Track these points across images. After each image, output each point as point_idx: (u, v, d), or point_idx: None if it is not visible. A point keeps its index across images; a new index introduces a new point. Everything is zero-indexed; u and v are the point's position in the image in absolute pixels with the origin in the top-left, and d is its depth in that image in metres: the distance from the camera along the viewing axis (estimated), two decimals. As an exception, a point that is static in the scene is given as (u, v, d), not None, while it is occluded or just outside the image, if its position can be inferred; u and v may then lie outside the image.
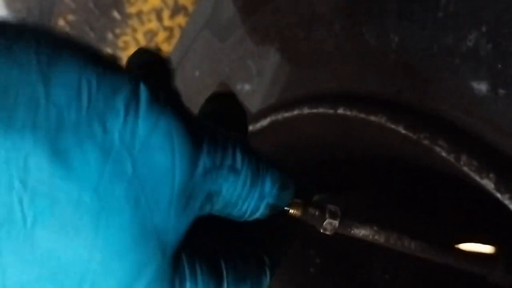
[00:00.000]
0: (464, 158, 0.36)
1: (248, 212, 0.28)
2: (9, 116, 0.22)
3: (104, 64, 0.24)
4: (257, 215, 0.29)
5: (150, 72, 0.28)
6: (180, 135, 0.25)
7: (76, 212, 0.23)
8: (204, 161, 0.26)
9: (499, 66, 0.34)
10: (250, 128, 0.58)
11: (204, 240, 0.28)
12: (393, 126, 0.41)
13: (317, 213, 0.32)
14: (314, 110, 0.50)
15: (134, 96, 0.24)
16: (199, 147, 0.25)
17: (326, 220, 0.32)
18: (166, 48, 1.19)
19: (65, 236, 0.23)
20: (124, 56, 1.20)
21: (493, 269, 0.36)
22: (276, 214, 0.30)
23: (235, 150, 0.27)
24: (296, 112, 0.53)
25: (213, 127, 0.27)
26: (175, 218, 0.25)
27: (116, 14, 1.19)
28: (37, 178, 0.22)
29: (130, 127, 0.24)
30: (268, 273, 0.30)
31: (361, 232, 0.33)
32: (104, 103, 0.23)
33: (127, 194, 0.24)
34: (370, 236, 0.33)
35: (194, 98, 0.59)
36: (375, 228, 0.33)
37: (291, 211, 0.32)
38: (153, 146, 0.24)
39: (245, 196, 0.28)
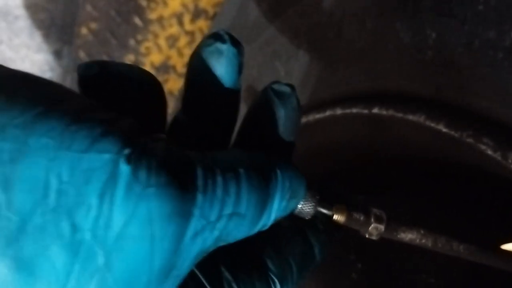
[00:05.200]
0: (512, 156, 0.34)
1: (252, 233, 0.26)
2: None
3: (80, 129, 0.21)
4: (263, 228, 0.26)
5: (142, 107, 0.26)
6: (162, 218, 0.22)
7: None
8: (194, 226, 0.23)
9: (547, 59, 0.33)
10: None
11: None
12: (433, 125, 0.40)
13: (362, 218, 0.31)
14: (348, 111, 0.48)
15: (111, 181, 0.21)
16: (188, 216, 0.22)
17: (372, 225, 0.31)
18: (188, 53, 1.19)
19: None
20: (147, 62, 1.20)
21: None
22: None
23: (240, 190, 0.24)
24: (328, 113, 0.51)
25: (211, 166, 0.23)
26: None
27: (137, 21, 1.19)
28: None
29: (104, 220, 0.21)
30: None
31: (407, 236, 0.32)
32: (75, 197, 0.20)
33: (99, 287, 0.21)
34: (417, 240, 0.32)
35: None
36: (422, 231, 0.32)
37: (335, 217, 0.31)
38: (129, 236, 0.21)
39: (250, 230, 0.25)
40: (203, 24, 1.18)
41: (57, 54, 1.22)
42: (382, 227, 0.31)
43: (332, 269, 0.43)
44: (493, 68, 0.37)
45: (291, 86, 0.30)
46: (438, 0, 0.40)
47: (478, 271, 0.38)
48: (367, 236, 0.32)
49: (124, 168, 0.21)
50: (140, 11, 1.18)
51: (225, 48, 0.27)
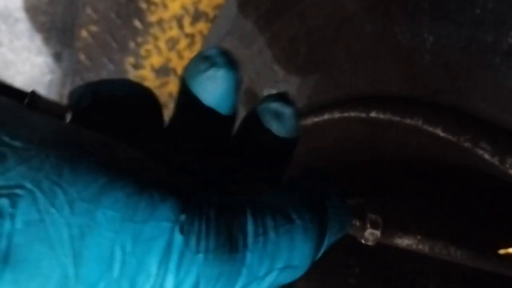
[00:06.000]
0: (510, 160, 0.34)
1: None
2: None
3: (141, 199, 0.21)
4: None
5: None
6: (208, 281, 0.22)
7: None
8: (242, 283, 0.23)
9: (545, 63, 0.33)
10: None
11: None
12: (430, 129, 0.39)
13: (357, 223, 0.31)
14: (346, 114, 0.48)
15: (168, 249, 0.21)
16: (236, 276, 0.22)
17: (368, 230, 0.31)
18: (189, 55, 1.19)
19: None
20: (147, 65, 1.20)
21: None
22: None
23: (294, 244, 0.23)
24: (326, 116, 0.51)
25: (263, 219, 0.23)
26: None
27: (137, 23, 1.19)
28: None
29: (159, 284, 0.21)
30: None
31: (404, 241, 0.32)
32: (137, 266, 0.21)
33: None
34: (414, 246, 0.32)
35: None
36: (418, 237, 0.32)
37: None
38: None
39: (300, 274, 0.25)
40: (203, 27, 1.18)
41: (58, 57, 1.22)
42: (378, 233, 0.31)
43: (329, 274, 0.42)
44: (490, 72, 0.36)
45: (291, 104, 0.28)
46: (436, 3, 0.39)
47: (477, 274, 0.38)
48: (363, 241, 0.31)
49: (178, 237, 0.21)
50: (140, 14, 1.18)
51: (221, 74, 0.26)
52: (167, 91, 1.20)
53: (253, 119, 0.29)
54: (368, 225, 0.31)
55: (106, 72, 1.19)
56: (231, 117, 0.28)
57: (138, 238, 0.21)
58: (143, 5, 1.18)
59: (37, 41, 1.21)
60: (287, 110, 0.28)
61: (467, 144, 0.37)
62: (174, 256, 0.21)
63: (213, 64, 0.26)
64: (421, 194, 0.48)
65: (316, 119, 0.53)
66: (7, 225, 0.20)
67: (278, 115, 0.28)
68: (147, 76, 1.21)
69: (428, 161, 0.45)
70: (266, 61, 0.63)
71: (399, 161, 0.49)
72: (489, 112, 0.37)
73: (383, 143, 0.48)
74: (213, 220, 0.22)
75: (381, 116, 0.45)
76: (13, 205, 0.20)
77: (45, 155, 0.21)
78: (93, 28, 1.19)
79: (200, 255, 0.22)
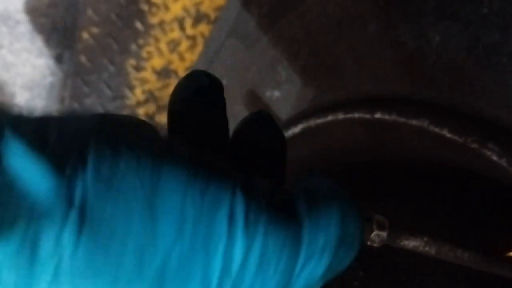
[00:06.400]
0: (517, 162, 0.34)
1: None
2: (117, 266, 0.20)
3: (204, 159, 0.22)
4: None
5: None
6: (276, 245, 0.22)
7: None
8: (303, 259, 0.23)
9: (553, 63, 0.32)
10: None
11: None
12: (437, 130, 0.39)
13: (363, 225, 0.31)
14: (350, 115, 0.48)
15: (233, 210, 0.22)
16: (298, 250, 0.23)
17: (374, 232, 0.30)
18: (190, 57, 1.19)
19: None
20: (148, 67, 1.20)
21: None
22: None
23: (343, 214, 0.25)
24: (330, 118, 0.51)
25: (313, 200, 0.24)
26: None
27: (139, 25, 1.19)
28: None
29: (229, 252, 0.21)
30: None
31: (411, 243, 0.31)
32: (207, 225, 0.21)
33: None
34: (421, 248, 0.32)
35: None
36: (425, 239, 0.32)
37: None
38: (248, 268, 0.22)
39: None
40: (204, 28, 1.18)
41: (58, 59, 1.21)
42: (384, 234, 0.31)
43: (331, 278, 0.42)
44: (497, 73, 0.36)
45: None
46: (441, 3, 0.39)
47: (485, 275, 0.37)
48: (369, 243, 0.31)
49: (241, 199, 0.22)
50: (141, 16, 1.18)
51: (206, 91, 0.27)
52: (168, 93, 1.20)
53: (250, 121, 0.30)
54: (375, 227, 0.31)
55: (107, 74, 1.19)
56: (225, 120, 0.29)
57: (205, 195, 0.21)
58: (145, 7, 1.18)
59: (38, 43, 1.21)
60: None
61: (474, 145, 0.36)
62: (240, 216, 0.22)
63: (199, 82, 0.28)
64: (426, 196, 0.48)
65: (319, 121, 0.52)
66: (79, 178, 0.20)
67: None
68: (148, 78, 1.20)
69: (434, 162, 0.44)
70: (268, 62, 0.63)
71: (404, 162, 0.48)
72: (496, 113, 0.36)
73: (387, 144, 0.47)
74: (267, 193, 0.23)
75: (387, 117, 0.44)
76: (83, 160, 0.20)
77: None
78: (94, 30, 1.19)
79: (263, 218, 0.22)
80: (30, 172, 0.20)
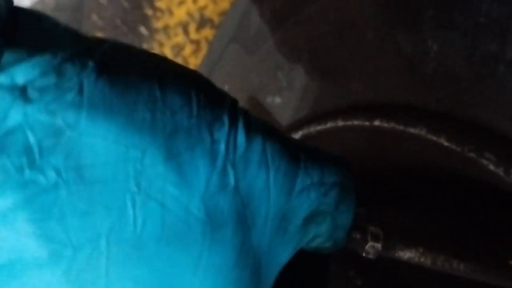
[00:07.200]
0: (514, 172, 0.33)
1: None
2: (130, 112, 0.22)
3: (205, 81, 0.25)
4: None
5: None
6: (274, 153, 0.25)
7: (184, 223, 0.22)
8: (301, 181, 0.25)
9: (550, 72, 0.32)
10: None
11: None
12: (434, 138, 0.39)
13: (358, 236, 0.31)
14: (349, 123, 0.48)
15: (234, 111, 0.25)
16: (296, 166, 0.25)
17: (368, 243, 0.30)
18: (194, 62, 1.19)
19: (173, 248, 0.22)
20: (152, 71, 1.21)
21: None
22: None
23: (335, 162, 0.27)
24: (329, 125, 0.51)
25: (309, 147, 0.27)
26: (269, 237, 0.24)
27: (143, 30, 1.19)
28: (150, 180, 0.22)
29: (232, 139, 0.24)
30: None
31: (406, 254, 0.31)
32: (211, 113, 0.24)
33: (230, 207, 0.23)
34: (416, 259, 0.32)
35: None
36: (420, 250, 0.31)
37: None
38: (251, 160, 0.24)
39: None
40: (208, 33, 1.18)
41: (64, 63, 1.22)
42: (379, 246, 0.31)
43: (329, 286, 0.42)
44: (495, 81, 0.36)
45: None
46: (439, 12, 0.39)
47: (484, 284, 0.37)
48: (364, 255, 0.31)
49: (239, 107, 0.25)
50: (145, 20, 1.19)
51: None
52: (172, 97, 1.20)
53: None
54: (369, 238, 0.30)
55: (112, 78, 1.19)
56: None
57: (209, 94, 0.24)
58: (149, 12, 1.18)
59: (44, 47, 1.22)
60: None
61: (471, 154, 0.36)
62: (240, 117, 0.25)
63: None
64: (423, 204, 0.48)
65: (319, 127, 0.52)
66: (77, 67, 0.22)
67: None
68: (152, 83, 1.21)
69: (431, 171, 0.44)
70: (269, 69, 0.63)
71: (401, 170, 0.48)
72: (494, 121, 0.36)
73: (385, 152, 0.47)
74: (265, 124, 0.26)
75: (385, 125, 0.44)
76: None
77: None
78: (99, 34, 1.19)
79: (261, 129, 0.25)
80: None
